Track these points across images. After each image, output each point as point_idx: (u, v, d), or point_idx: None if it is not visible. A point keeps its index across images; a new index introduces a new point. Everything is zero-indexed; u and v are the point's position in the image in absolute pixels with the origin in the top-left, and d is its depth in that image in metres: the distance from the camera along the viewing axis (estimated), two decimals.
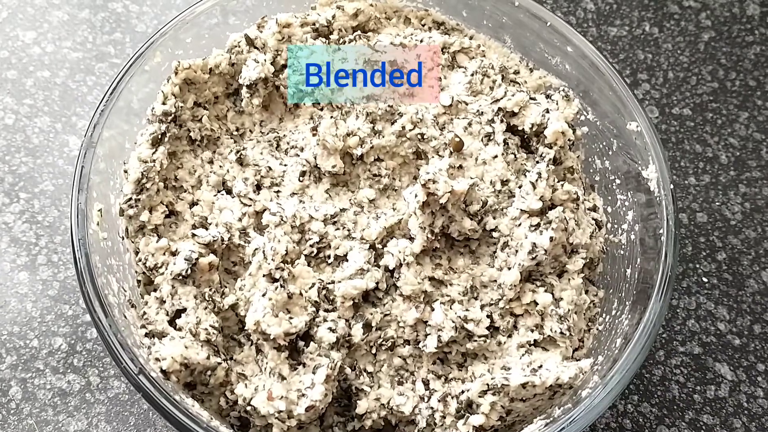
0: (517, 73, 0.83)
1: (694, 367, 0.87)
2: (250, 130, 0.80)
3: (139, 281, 0.73)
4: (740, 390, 0.86)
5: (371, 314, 0.69)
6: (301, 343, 0.67)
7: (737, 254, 0.95)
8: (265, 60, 0.76)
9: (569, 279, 0.71)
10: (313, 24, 0.79)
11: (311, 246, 0.71)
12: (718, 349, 0.89)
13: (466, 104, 0.77)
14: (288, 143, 0.77)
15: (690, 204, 0.98)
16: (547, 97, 0.80)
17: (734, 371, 0.88)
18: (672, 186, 0.72)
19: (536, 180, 0.70)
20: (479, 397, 0.66)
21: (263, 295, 0.67)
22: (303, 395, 0.64)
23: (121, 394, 0.82)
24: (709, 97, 1.07)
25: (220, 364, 0.66)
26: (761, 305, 0.92)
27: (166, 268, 0.70)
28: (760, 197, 0.99)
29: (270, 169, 0.75)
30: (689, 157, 1.02)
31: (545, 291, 0.69)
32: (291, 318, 0.66)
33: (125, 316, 0.66)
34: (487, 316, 0.69)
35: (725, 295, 0.92)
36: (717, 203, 0.98)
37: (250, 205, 0.74)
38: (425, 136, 0.74)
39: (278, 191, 0.75)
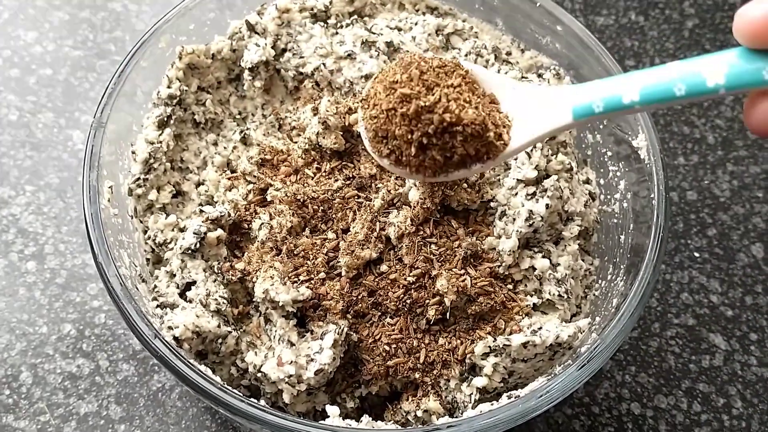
0: (509, 54, 0.86)
1: (688, 338, 0.90)
2: (252, 114, 0.82)
3: (148, 260, 0.75)
4: (734, 359, 0.89)
5: (375, 282, 0.71)
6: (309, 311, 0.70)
7: (727, 229, 0.98)
8: (265, 44, 0.79)
9: (565, 246, 0.73)
10: (311, 9, 0.81)
11: (315, 219, 0.73)
12: (712, 320, 0.91)
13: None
14: (290, 124, 0.80)
15: (680, 183, 1.01)
16: (539, 76, 0.83)
17: (728, 341, 0.90)
18: (661, 154, 0.74)
19: (531, 150, 0.72)
20: (482, 359, 0.68)
21: (271, 266, 0.69)
22: (312, 360, 0.66)
23: (130, 377, 0.83)
24: None
25: (230, 332, 0.68)
26: (752, 277, 0.94)
27: (175, 244, 0.72)
28: (747, 175, 1.02)
29: (273, 148, 0.78)
30: (678, 138, 1.05)
31: (543, 257, 0.72)
32: (298, 287, 0.68)
33: (137, 288, 0.68)
34: (488, 282, 0.71)
35: (717, 268, 0.95)
36: (706, 181, 1.01)
37: (254, 183, 0.76)
38: None
39: (282, 169, 0.77)
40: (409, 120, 0.59)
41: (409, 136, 0.59)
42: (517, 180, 0.72)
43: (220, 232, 0.71)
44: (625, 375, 0.87)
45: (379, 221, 0.73)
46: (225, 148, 0.80)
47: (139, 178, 0.74)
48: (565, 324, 0.69)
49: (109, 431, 0.80)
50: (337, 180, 0.75)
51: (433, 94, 0.58)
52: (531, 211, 0.70)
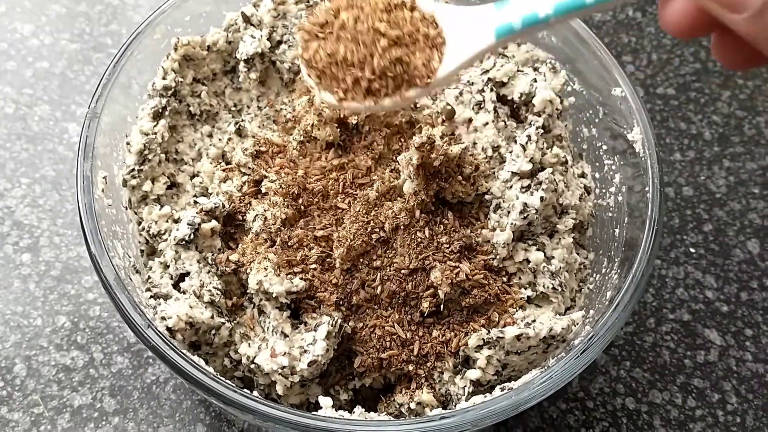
0: (505, 47, 0.85)
1: (684, 334, 0.90)
2: (248, 106, 0.82)
3: (142, 251, 0.75)
4: (729, 354, 0.89)
5: (368, 274, 0.71)
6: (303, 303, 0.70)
7: (723, 225, 0.98)
8: (261, 36, 0.79)
9: (560, 239, 0.73)
10: (307, 1, 0.81)
11: (309, 211, 0.73)
12: (707, 315, 0.91)
13: (457, 75, 0.79)
14: (285, 116, 0.80)
15: (676, 179, 1.01)
16: (535, 69, 0.83)
17: (723, 336, 0.90)
18: (656, 146, 0.74)
19: (526, 143, 0.72)
20: (475, 351, 0.68)
21: (265, 257, 0.69)
22: (305, 351, 0.66)
23: (125, 369, 0.83)
24: (692, 77, 1.10)
25: (224, 324, 0.68)
26: (747, 273, 0.94)
27: (169, 235, 0.72)
28: (744, 171, 1.02)
29: (268, 140, 0.78)
30: (674, 134, 1.05)
31: (537, 249, 0.72)
32: (292, 278, 0.68)
33: (131, 279, 0.68)
34: (482, 275, 0.71)
35: (712, 264, 0.95)
36: (702, 177, 1.01)
37: (249, 174, 0.76)
38: (418, 105, 0.77)
39: (276, 161, 0.77)
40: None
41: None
42: (512, 173, 0.72)
43: (214, 223, 0.71)
44: (619, 370, 0.87)
45: (374, 213, 0.73)
46: (220, 139, 0.80)
47: (133, 169, 0.74)
48: (559, 317, 0.69)
49: (103, 423, 0.80)
50: (331, 172, 0.75)
51: None
52: (525, 203, 0.70)
